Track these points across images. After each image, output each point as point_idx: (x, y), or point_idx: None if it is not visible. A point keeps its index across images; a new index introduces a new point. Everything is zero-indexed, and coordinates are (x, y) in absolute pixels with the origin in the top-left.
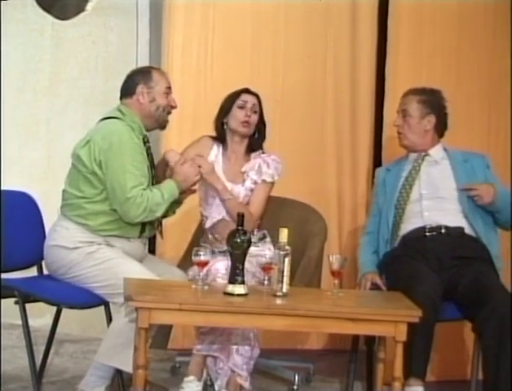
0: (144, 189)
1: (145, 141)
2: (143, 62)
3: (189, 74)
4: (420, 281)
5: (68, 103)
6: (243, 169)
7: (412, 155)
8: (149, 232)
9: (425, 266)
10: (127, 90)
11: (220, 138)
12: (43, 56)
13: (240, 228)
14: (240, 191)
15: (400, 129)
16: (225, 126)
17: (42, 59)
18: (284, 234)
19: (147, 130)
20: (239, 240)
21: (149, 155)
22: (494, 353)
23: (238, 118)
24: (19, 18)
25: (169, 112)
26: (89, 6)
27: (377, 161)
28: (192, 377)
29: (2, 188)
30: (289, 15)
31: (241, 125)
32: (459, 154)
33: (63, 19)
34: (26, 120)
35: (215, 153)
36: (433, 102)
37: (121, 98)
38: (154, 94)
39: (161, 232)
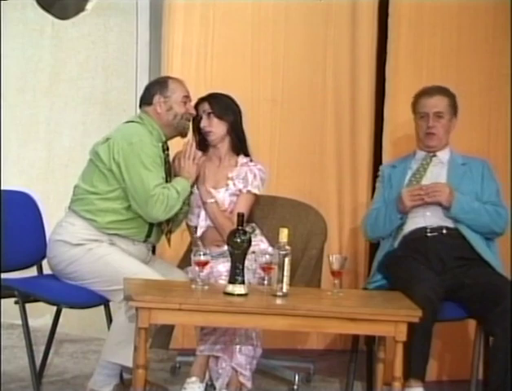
0: (164, 187)
1: (164, 149)
2: (143, 62)
3: (189, 74)
4: (418, 282)
5: (67, 103)
6: (230, 175)
7: (420, 154)
8: (155, 238)
9: (425, 267)
10: (145, 101)
11: (200, 147)
12: (43, 56)
13: (240, 228)
14: (224, 197)
15: (433, 130)
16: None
17: (42, 59)
18: (284, 234)
19: (168, 139)
20: (239, 240)
21: (167, 163)
22: (504, 354)
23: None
24: (19, 18)
25: (188, 120)
26: (89, 6)
27: (377, 161)
28: (194, 378)
29: (2, 188)
30: (289, 16)
31: (206, 135)
32: (459, 157)
33: (63, 19)
34: (26, 120)
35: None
36: (455, 103)
37: (140, 107)
38: (171, 103)
39: (169, 240)
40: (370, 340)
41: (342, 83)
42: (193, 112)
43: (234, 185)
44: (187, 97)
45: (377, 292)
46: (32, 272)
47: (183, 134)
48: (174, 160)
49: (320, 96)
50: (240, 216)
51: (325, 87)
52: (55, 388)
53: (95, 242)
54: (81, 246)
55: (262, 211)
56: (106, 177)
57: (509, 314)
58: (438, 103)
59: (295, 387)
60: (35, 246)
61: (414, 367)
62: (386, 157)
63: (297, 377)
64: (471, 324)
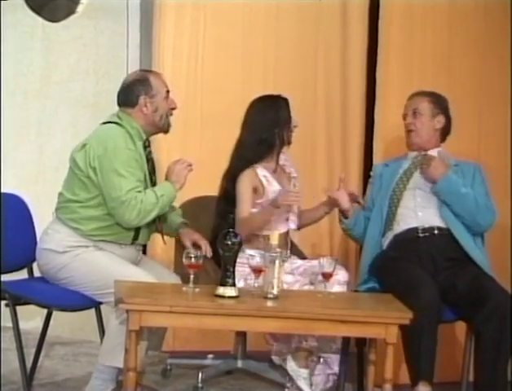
0: (139, 191)
1: (146, 145)
2: (134, 64)
3: (180, 76)
4: (422, 285)
5: (58, 105)
6: (294, 175)
7: (412, 154)
8: (143, 239)
9: (422, 270)
10: (128, 102)
11: (260, 155)
12: (34, 59)
13: (230, 230)
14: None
15: (412, 126)
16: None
17: (33, 61)
18: (274, 236)
19: (151, 135)
20: (230, 242)
21: (149, 160)
22: (492, 355)
23: (292, 127)
24: (10, 20)
25: (171, 114)
26: (79, 9)
27: (367, 162)
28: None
29: None
30: (280, 17)
31: (292, 134)
32: (451, 159)
33: (53, 22)
34: (17, 123)
35: (263, 174)
36: (442, 103)
37: (119, 105)
38: (157, 103)
39: (163, 237)
40: (361, 342)
41: (333, 85)
42: (174, 105)
43: (295, 179)
44: (168, 91)
45: (367, 294)
46: (22, 274)
47: (166, 131)
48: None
49: (310, 98)
50: (231, 219)
51: (316, 89)
52: (45, 390)
53: (82, 248)
54: (68, 253)
55: None
56: (85, 184)
57: (497, 315)
58: (415, 103)
59: (286, 390)
60: (26, 248)
61: (423, 370)
62: (377, 159)
63: (288, 379)
64: (461, 326)
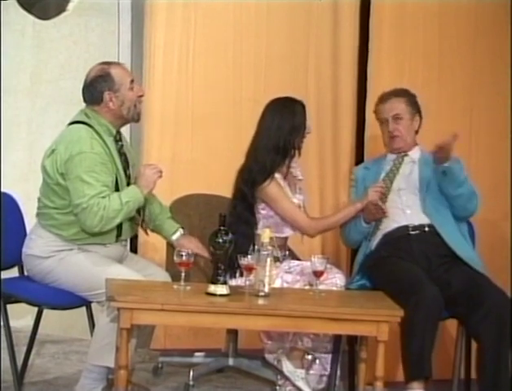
0: (103, 197)
1: (117, 139)
2: (125, 62)
3: (171, 74)
4: (425, 282)
5: (49, 103)
6: (300, 177)
7: (391, 156)
8: (126, 234)
9: (419, 268)
10: (93, 99)
11: (278, 163)
12: (24, 57)
13: (222, 228)
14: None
15: (396, 132)
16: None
17: (23, 59)
18: (265, 234)
19: (121, 126)
20: (221, 241)
21: (122, 154)
22: (493, 354)
23: (305, 134)
24: (1, 19)
25: (140, 102)
26: (70, 7)
27: (358, 161)
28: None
29: None
30: (271, 15)
31: (303, 140)
32: (430, 156)
33: (44, 19)
34: (7, 121)
35: (282, 182)
36: (415, 102)
37: (85, 101)
38: (123, 97)
39: (145, 230)
40: (352, 340)
41: (324, 83)
42: (142, 92)
43: (301, 182)
44: (132, 81)
45: (358, 291)
46: (13, 272)
47: (137, 120)
48: None
49: (301, 96)
50: (222, 216)
51: (307, 87)
52: (36, 388)
53: (65, 251)
54: (53, 257)
55: None
56: (57, 192)
57: (495, 314)
58: (394, 106)
59: (277, 388)
60: (16, 247)
61: (426, 368)
62: (368, 156)
63: (279, 377)
64: (452, 324)
